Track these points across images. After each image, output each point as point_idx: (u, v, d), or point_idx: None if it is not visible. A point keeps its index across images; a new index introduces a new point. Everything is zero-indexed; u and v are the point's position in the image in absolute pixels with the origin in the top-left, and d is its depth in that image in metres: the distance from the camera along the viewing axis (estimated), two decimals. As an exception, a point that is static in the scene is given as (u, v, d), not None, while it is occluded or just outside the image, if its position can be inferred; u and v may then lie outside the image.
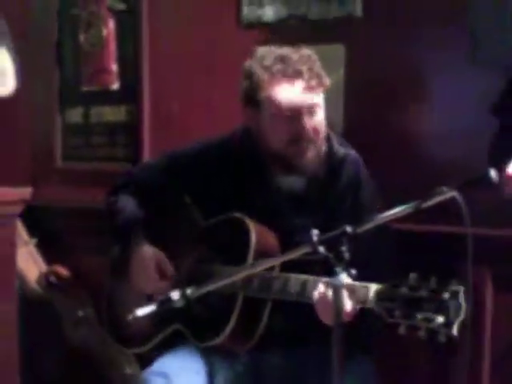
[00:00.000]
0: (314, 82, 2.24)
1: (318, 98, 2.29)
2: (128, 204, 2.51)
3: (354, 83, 3.05)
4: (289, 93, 2.23)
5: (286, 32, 3.12)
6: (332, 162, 2.38)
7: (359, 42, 3.04)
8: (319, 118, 2.30)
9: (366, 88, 3.03)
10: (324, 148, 2.35)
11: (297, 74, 2.24)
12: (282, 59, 2.25)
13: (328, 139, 2.39)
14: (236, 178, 2.40)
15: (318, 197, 2.36)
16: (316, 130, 2.28)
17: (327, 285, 1.99)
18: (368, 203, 2.36)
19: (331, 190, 2.37)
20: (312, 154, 2.29)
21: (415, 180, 2.81)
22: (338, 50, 3.04)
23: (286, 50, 2.30)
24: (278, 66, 2.25)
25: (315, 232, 1.80)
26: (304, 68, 2.24)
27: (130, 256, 2.44)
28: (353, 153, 2.44)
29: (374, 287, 1.98)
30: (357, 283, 1.98)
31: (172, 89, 3.52)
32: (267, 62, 2.26)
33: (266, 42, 2.48)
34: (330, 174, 2.38)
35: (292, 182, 2.36)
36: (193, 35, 3.44)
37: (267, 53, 2.30)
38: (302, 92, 2.24)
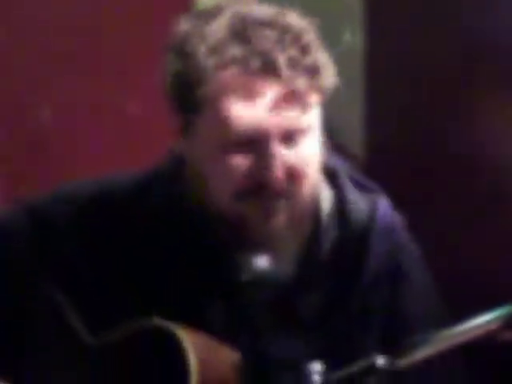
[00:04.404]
0: (301, 84, 1.68)
1: (307, 116, 1.71)
2: None
3: (385, 61, 2.47)
4: (250, 106, 1.69)
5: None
6: (345, 230, 1.84)
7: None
8: (306, 151, 1.74)
9: (409, 70, 2.42)
10: (314, 203, 1.80)
11: (269, 70, 1.67)
12: (245, 35, 1.69)
13: (334, 182, 1.84)
14: (159, 254, 1.80)
15: (320, 298, 1.83)
16: (294, 173, 1.72)
17: None
18: (417, 308, 1.83)
19: (345, 286, 1.85)
20: (283, 218, 1.73)
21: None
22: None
23: (256, 12, 1.71)
24: (236, 50, 1.68)
25: (317, 366, 1.41)
26: (283, 57, 1.66)
27: None
28: (386, 209, 1.84)
29: None
30: None
31: (40, 81, 2.70)
32: (216, 36, 1.69)
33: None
34: (342, 253, 1.83)
35: (269, 272, 1.82)
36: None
37: (218, 11, 1.72)
38: (275, 105, 1.68)
